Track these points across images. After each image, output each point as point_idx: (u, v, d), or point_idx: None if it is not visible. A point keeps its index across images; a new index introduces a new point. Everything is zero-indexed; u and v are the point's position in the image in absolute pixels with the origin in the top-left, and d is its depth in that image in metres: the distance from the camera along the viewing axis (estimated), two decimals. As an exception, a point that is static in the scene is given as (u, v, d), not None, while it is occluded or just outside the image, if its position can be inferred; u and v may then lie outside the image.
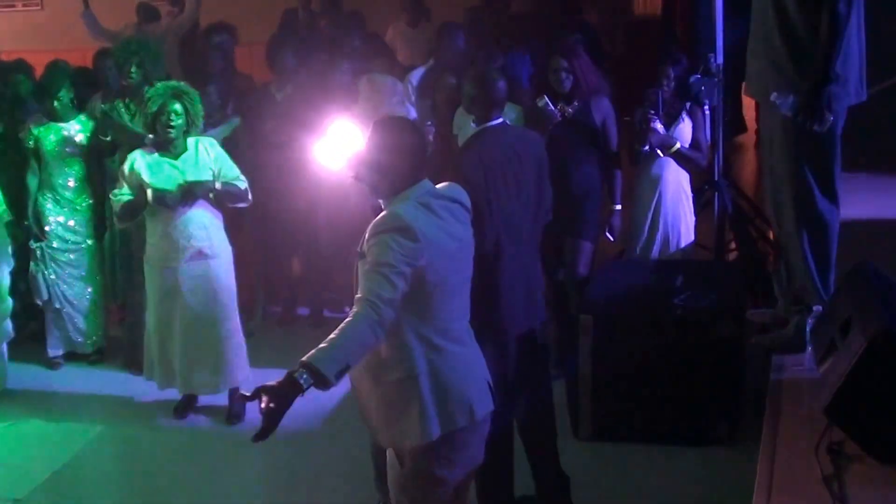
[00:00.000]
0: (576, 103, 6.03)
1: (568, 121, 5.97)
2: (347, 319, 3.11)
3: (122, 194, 5.66)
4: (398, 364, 3.31)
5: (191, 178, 5.63)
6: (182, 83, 5.75)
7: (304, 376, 3.00)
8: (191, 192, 5.59)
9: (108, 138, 6.61)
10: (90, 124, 6.74)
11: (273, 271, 7.62)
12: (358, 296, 3.17)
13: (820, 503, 3.93)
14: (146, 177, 5.60)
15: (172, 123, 5.57)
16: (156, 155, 5.64)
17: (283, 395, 3.00)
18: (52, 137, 6.67)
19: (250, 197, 5.82)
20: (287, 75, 7.20)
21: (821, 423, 4.36)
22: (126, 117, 6.49)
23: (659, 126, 6.30)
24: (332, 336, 3.07)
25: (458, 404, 3.37)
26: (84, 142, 6.71)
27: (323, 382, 3.00)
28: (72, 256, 6.83)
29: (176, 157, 5.67)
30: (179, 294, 5.73)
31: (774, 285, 5.77)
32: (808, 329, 5.06)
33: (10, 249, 6.51)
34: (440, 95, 6.48)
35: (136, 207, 5.63)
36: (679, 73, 6.47)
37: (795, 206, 4.94)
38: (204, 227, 5.71)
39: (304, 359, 3.03)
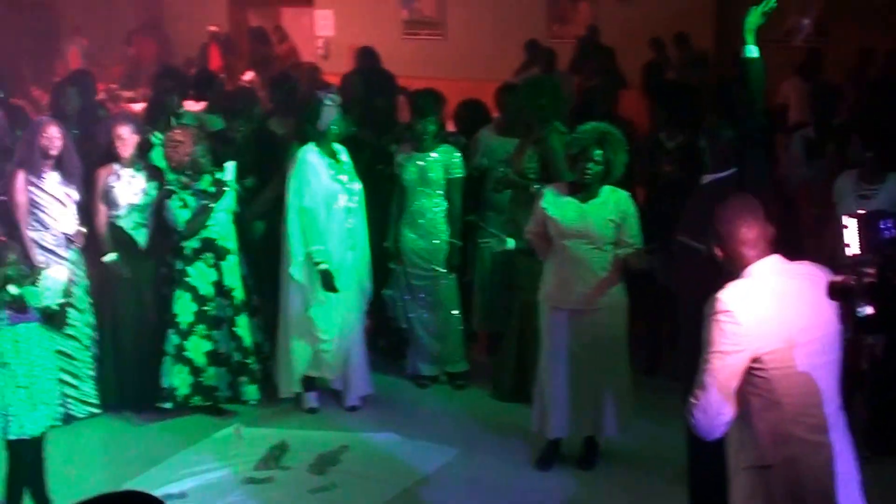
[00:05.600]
0: None
1: None
2: None
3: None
4: (748, 451, 3.14)
5: (592, 220, 5.51)
6: (609, 128, 5.59)
7: None
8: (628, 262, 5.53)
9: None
10: (452, 158, 6.75)
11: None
12: None
13: None
14: (552, 212, 5.57)
15: (589, 170, 5.48)
16: (566, 195, 5.59)
17: None
18: (412, 168, 6.75)
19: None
20: None
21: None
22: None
23: None
24: None
25: None
26: (437, 178, 6.73)
27: None
28: (428, 284, 6.87)
29: (584, 200, 5.56)
30: (571, 337, 5.61)
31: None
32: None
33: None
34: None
35: (536, 245, 5.79)
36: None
37: None
38: (596, 275, 5.56)
39: None
